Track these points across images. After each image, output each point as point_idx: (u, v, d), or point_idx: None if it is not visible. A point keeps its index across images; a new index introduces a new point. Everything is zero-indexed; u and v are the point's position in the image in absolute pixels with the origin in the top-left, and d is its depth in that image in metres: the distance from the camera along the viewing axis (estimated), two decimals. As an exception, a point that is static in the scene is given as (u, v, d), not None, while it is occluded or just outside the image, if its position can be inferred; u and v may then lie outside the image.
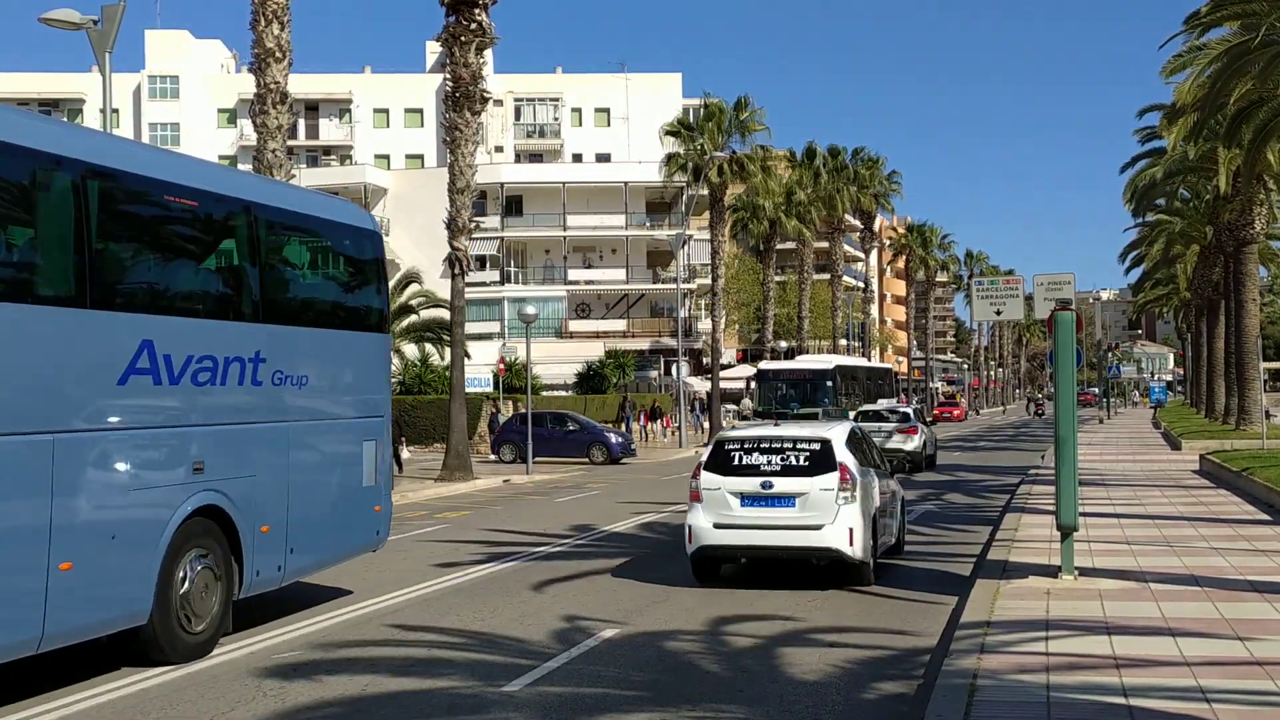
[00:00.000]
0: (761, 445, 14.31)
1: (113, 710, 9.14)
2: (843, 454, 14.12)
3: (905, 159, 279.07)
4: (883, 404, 39.88)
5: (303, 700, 9.28)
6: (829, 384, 43.33)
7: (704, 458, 14.66)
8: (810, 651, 10.79)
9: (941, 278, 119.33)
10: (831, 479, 13.81)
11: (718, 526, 14.08)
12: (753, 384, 47.19)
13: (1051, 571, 13.23)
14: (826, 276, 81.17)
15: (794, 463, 14.05)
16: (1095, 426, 65.51)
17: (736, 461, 14.23)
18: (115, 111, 21.68)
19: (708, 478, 14.26)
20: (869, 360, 61.09)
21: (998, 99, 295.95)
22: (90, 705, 9.26)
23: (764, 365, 49.85)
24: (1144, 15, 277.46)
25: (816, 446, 14.12)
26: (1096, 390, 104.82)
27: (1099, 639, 10.02)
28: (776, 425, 16.56)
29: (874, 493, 14.65)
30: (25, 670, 9.53)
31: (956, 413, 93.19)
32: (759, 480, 13.98)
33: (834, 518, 13.68)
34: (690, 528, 14.28)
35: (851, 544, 13.67)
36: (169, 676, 10.11)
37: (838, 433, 14.71)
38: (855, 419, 28.63)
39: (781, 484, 13.90)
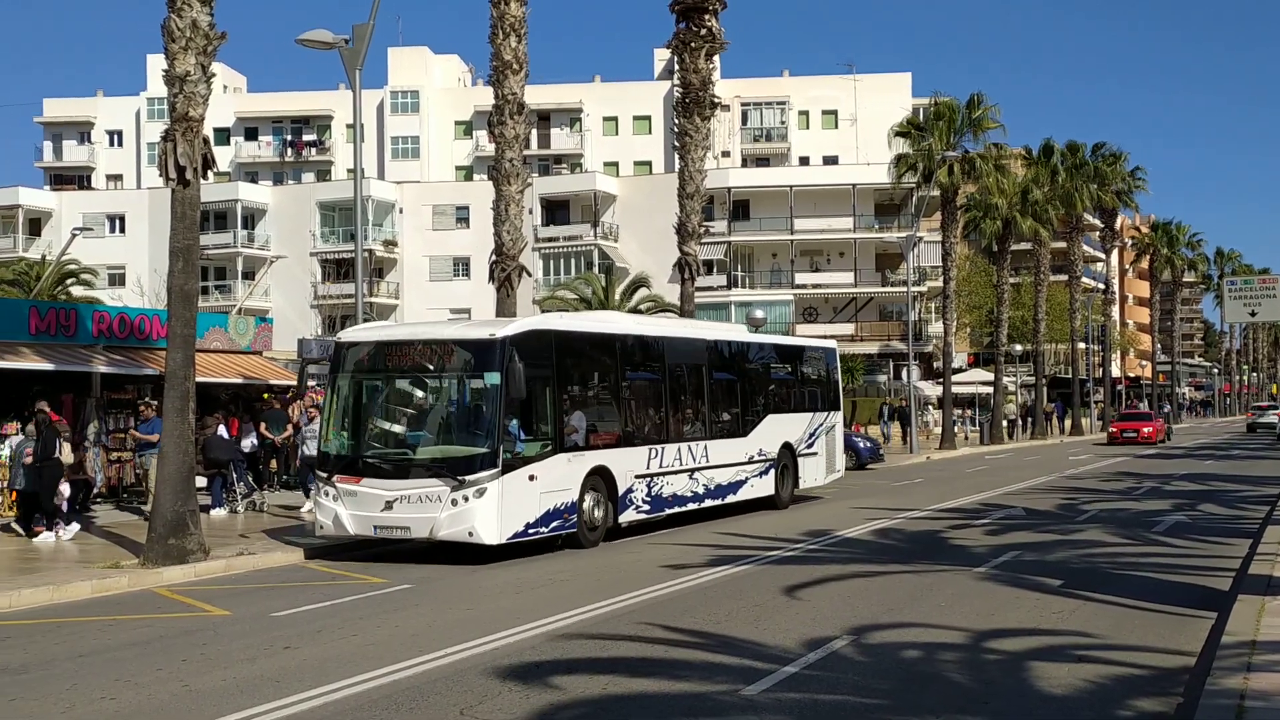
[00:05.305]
0: (1265, 410, 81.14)
1: (369, 700, 9.51)
2: None
3: (1148, 155, 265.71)
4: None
5: (546, 699, 9.44)
6: (487, 383, 17.37)
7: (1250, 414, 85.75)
8: (1059, 665, 10.39)
9: (1189, 278, 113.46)
10: None
11: (1249, 426, 78.28)
12: (309, 372, 21.96)
13: (1322, 589, 12.40)
14: (1064, 278, 78.20)
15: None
16: (1361, 435, 61.26)
17: (1258, 414, 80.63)
18: (361, 126, 22.63)
19: (1249, 419, 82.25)
20: (747, 330, 29.37)
21: (1246, 94, 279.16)
22: (332, 700, 9.66)
23: (349, 334, 19.49)
24: None
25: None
26: None
27: (1380, 662, 9.32)
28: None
29: None
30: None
31: (1147, 430, 57.82)
32: (1267, 419, 75.59)
33: None
34: (1248, 424, 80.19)
35: None
36: (412, 672, 10.45)
37: None
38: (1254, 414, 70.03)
39: (1268, 417, 75.01)
